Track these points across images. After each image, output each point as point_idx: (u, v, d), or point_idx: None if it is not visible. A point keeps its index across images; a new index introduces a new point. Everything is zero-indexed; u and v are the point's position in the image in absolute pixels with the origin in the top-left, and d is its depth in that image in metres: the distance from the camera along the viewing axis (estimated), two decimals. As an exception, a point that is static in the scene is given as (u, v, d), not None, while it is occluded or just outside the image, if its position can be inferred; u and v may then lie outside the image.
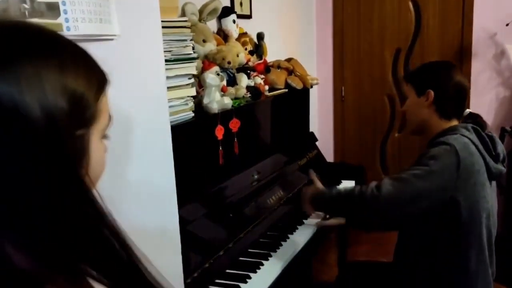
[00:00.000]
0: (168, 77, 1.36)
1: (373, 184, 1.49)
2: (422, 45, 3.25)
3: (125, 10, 1.00)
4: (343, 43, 3.46)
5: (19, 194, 0.45)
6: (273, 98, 2.14)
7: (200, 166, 1.63)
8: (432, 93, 1.58)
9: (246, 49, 2.12)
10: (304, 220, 1.97)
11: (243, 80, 1.92)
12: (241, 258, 1.65)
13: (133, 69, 1.06)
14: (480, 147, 1.49)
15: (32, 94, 0.45)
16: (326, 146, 3.49)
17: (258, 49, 2.31)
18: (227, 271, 1.56)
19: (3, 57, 0.45)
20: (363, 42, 3.40)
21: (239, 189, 1.80)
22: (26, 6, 0.80)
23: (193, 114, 1.55)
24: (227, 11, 2.13)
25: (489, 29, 2.99)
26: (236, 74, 1.93)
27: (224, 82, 1.79)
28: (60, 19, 0.85)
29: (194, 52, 1.57)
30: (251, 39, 2.28)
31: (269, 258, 1.65)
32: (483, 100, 3.04)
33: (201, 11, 1.89)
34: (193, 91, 1.55)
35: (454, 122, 1.60)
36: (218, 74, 1.74)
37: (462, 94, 1.61)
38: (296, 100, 2.45)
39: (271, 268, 1.60)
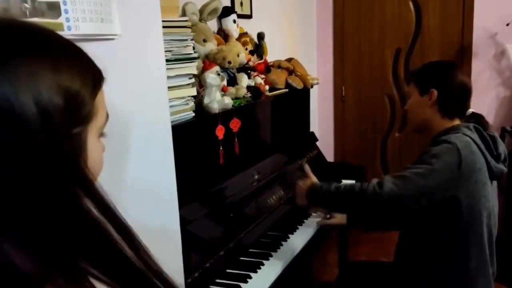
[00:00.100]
0: (168, 77, 1.36)
1: (374, 181, 1.48)
2: (422, 45, 3.25)
3: (126, 9, 1.00)
4: (344, 43, 3.46)
5: (17, 194, 0.45)
6: (274, 98, 2.14)
7: (200, 166, 1.63)
8: (435, 92, 1.58)
9: (246, 49, 2.12)
10: (304, 220, 1.97)
11: (244, 80, 1.92)
12: (241, 258, 1.65)
13: (134, 69, 1.06)
14: (482, 146, 1.49)
15: (27, 93, 0.44)
16: (326, 146, 3.49)
17: (258, 49, 2.31)
18: (228, 271, 1.56)
19: None
20: (364, 42, 3.40)
21: (240, 189, 1.80)
22: (27, 5, 0.80)
23: (193, 114, 1.55)
24: (227, 11, 2.14)
25: (489, 29, 2.99)
26: (236, 74, 1.93)
27: (225, 82, 1.79)
28: (61, 19, 0.85)
29: (194, 52, 1.57)
30: (251, 39, 2.28)
31: (269, 258, 1.65)
32: (483, 100, 3.03)
33: (201, 11, 1.89)
34: (193, 91, 1.55)
35: (457, 122, 1.60)
36: (218, 74, 1.74)
37: (465, 94, 1.61)
38: (297, 100, 2.45)
39: (272, 268, 1.60)
